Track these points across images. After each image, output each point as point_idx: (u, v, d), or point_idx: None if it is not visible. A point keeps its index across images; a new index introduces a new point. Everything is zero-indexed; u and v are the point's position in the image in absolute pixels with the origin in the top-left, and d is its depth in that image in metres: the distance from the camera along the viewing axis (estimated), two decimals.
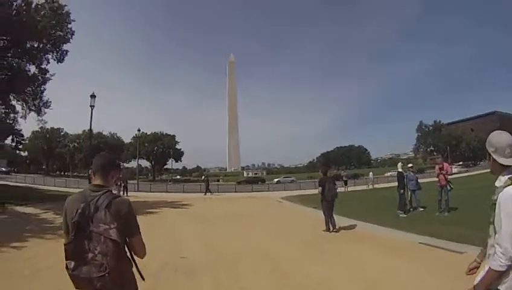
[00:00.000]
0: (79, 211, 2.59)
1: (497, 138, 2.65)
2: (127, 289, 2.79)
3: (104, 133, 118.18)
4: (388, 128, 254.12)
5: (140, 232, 2.85)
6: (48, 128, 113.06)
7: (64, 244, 2.60)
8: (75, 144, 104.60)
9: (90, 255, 2.52)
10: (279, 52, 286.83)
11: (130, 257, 2.84)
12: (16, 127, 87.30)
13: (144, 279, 3.00)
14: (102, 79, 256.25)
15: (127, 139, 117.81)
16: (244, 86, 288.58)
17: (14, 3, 26.43)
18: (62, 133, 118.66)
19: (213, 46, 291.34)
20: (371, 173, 47.41)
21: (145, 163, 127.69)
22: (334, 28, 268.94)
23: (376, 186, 42.83)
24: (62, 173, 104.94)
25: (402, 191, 16.39)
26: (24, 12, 26.57)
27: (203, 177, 52.37)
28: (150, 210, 21.84)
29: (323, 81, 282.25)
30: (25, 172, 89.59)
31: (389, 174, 67.55)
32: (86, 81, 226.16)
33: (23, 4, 26.60)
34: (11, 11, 25.94)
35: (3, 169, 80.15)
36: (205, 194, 38.93)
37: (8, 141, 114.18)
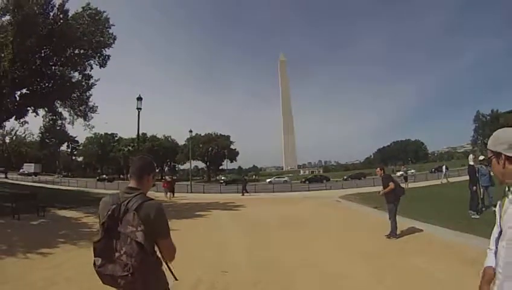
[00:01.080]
0: (109, 212, 2.66)
1: (509, 133, 2.28)
2: None
3: (158, 136, 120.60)
4: (444, 121, 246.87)
5: (169, 236, 2.82)
6: (101, 134, 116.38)
7: (94, 242, 2.67)
8: (129, 148, 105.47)
9: (116, 254, 2.58)
10: (332, 49, 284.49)
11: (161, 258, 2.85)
12: (70, 134, 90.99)
13: (176, 279, 3.04)
14: (155, 83, 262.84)
15: (181, 141, 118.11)
16: (298, 85, 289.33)
17: (51, 13, 26.69)
18: (116, 138, 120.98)
19: (266, 45, 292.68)
20: (444, 167, 44.19)
21: (200, 164, 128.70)
22: (387, 23, 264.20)
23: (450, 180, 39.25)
24: (119, 176, 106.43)
25: (474, 188, 14.00)
26: (61, 21, 26.97)
27: (244, 177, 50.74)
28: (199, 213, 21.23)
29: (378, 76, 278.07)
30: (81, 176, 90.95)
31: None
32: (139, 86, 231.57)
33: (59, 13, 26.92)
34: (49, 20, 26.32)
35: (26, 171, 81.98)
36: (243, 195, 38.26)
37: (64, 147, 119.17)
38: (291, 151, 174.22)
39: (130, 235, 2.57)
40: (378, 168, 12.55)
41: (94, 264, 2.64)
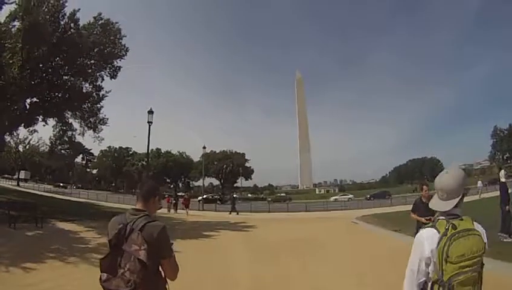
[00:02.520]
0: (115, 231, 2.81)
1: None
2: None
3: (172, 151, 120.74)
4: (461, 137, 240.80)
5: (172, 256, 2.93)
6: (116, 148, 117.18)
7: (100, 259, 2.79)
8: (143, 163, 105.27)
9: (120, 270, 2.69)
10: (347, 64, 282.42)
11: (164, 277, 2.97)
12: (85, 146, 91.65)
13: None
14: (173, 97, 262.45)
15: (196, 157, 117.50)
16: (314, 102, 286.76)
17: (61, 22, 26.68)
18: (130, 152, 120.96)
19: (283, 62, 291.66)
20: (479, 182, 42.66)
21: (215, 181, 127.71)
22: (402, 37, 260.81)
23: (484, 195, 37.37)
24: (132, 190, 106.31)
25: (507, 207, 12.39)
26: (72, 30, 26.96)
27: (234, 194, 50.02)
28: (207, 233, 20.28)
29: (393, 93, 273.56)
30: (95, 189, 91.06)
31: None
32: (156, 100, 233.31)
33: (69, 22, 26.94)
34: (59, 29, 26.29)
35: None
36: (230, 213, 37.52)
37: (79, 159, 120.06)
38: (307, 169, 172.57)
39: (133, 253, 2.71)
40: (425, 186, 9.17)
41: (100, 279, 2.77)
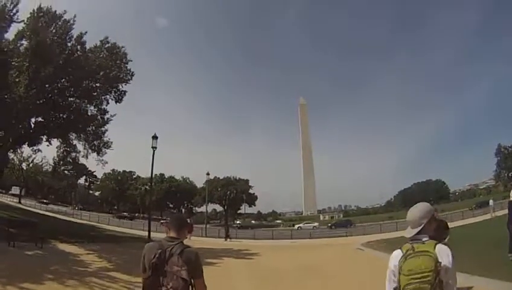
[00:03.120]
0: (157, 255, 3.29)
1: None
2: None
3: (176, 177, 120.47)
4: (465, 157, 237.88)
5: (203, 276, 3.49)
6: (119, 171, 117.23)
7: (143, 279, 3.37)
8: (146, 187, 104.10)
9: (163, 288, 3.21)
10: (351, 89, 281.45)
11: None
12: (89, 168, 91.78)
13: None
14: (177, 122, 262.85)
15: (199, 183, 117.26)
16: (318, 126, 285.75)
17: (68, 43, 27.07)
18: (134, 176, 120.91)
19: (286, 87, 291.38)
20: (491, 201, 41.85)
21: (218, 207, 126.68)
22: (403, 59, 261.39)
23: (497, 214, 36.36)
24: (135, 214, 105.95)
25: None
26: (79, 52, 27.37)
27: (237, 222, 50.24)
28: (209, 260, 19.23)
29: (397, 116, 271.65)
30: (98, 211, 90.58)
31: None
32: (159, 125, 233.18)
33: (76, 44, 27.34)
34: (66, 51, 26.64)
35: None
36: (226, 240, 38.37)
37: (82, 180, 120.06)
38: (311, 195, 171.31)
39: (176, 273, 3.22)
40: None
41: None
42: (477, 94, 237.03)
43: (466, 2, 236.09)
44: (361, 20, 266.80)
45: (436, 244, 3.09)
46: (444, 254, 3.04)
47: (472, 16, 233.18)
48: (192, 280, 3.35)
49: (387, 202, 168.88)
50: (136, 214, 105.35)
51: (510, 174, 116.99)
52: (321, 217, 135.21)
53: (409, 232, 3.29)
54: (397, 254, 3.22)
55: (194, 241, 32.07)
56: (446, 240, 5.59)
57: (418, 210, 3.35)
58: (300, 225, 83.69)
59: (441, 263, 2.96)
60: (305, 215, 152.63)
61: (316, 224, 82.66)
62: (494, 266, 10.99)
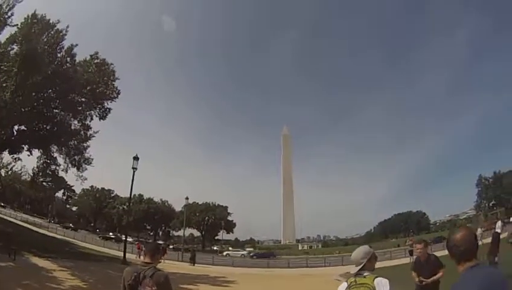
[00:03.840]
0: (133, 277, 4.04)
1: None
2: None
3: (154, 199, 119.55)
4: (446, 188, 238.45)
5: None
6: (98, 188, 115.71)
7: None
8: (124, 207, 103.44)
9: None
10: (335, 120, 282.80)
11: None
12: (68, 182, 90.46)
13: None
14: (160, 143, 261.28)
15: (178, 207, 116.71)
16: (301, 156, 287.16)
17: (58, 54, 26.96)
18: (112, 195, 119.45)
19: (272, 115, 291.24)
20: (499, 223, 41.56)
21: (195, 232, 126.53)
22: (389, 90, 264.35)
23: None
24: (110, 233, 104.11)
25: (495, 258, 12.08)
26: (68, 64, 27.34)
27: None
28: (184, 286, 18.70)
29: (379, 146, 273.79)
30: (74, 226, 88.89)
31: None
32: (141, 144, 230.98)
33: (66, 55, 27.24)
34: (56, 61, 26.57)
35: None
36: (193, 265, 38.56)
37: (60, 193, 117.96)
38: (290, 225, 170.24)
39: None
40: (420, 245, 7.75)
41: None
42: (459, 126, 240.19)
43: (453, 36, 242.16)
44: (351, 53, 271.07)
45: (375, 277, 3.84)
46: (381, 285, 3.75)
47: (459, 50, 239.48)
48: None
49: (367, 233, 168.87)
50: (111, 234, 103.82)
51: (491, 205, 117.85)
52: (299, 247, 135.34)
53: (353, 269, 4.11)
54: (343, 285, 4.04)
55: (170, 265, 31.61)
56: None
57: (359, 252, 4.22)
58: (229, 252, 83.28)
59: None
60: (283, 244, 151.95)
61: (244, 252, 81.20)
62: None
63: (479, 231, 41.70)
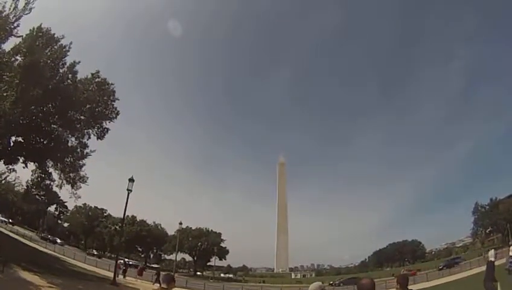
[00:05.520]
0: None
1: None
2: None
3: (147, 221, 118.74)
4: (442, 216, 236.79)
5: None
6: (91, 206, 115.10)
7: None
8: (116, 227, 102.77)
9: None
10: (328, 149, 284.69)
11: None
12: (61, 198, 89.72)
13: None
14: (155, 165, 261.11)
15: (171, 231, 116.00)
16: (295, 184, 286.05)
17: (60, 70, 27.18)
18: (105, 214, 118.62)
19: (267, 143, 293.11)
20: (492, 251, 40.96)
21: (187, 257, 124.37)
22: (383, 119, 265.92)
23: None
24: (101, 252, 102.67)
25: (493, 284, 11.98)
26: (69, 80, 27.61)
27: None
28: None
29: (375, 175, 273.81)
30: (65, 243, 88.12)
31: None
32: (136, 165, 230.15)
33: (68, 72, 27.53)
34: (57, 76, 26.81)
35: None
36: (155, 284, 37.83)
37: (52, 208, 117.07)
38: (283, 253, 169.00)
39: None
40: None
41: None
42: (455, 154, 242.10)
43: (447, 67, 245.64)
44: (345, 83, 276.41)
45: None
46: None
47: (454, 79, 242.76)
48: None
49: (362, 262, 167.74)
50: (104, 252, 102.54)
51: (487, 231, 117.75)
52: (292, 275, 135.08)
53: None
54: None
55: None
56: None
57: (316, 286, 5.20)
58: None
59: None
60: (276, 272, 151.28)
61: None
62: None
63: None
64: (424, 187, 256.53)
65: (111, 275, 30.20)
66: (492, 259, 12.78)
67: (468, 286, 26.50)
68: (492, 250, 14.06)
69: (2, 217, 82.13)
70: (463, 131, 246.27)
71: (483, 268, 13.26)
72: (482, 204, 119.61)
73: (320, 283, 5.23)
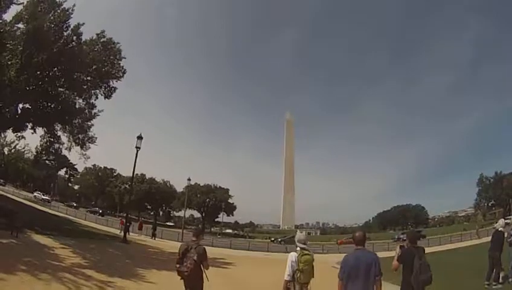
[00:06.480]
0: (184, 248, 7.11)
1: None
2: (198, 282, 7.08)
3: (156, 179, 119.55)
4: (446, 186, 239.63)
5: (207, 260, 7.23)
6: (100, 167, 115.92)
7: (177, 258, 7.12)
8: (126, 186, 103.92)
9: (185, 263, 6.88)
10: (337, 111, 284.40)
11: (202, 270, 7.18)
12: (70, 161, 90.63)
13: (208, 280, 7.21)
14: (162, 125, 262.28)
15: (179, 188, 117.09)
16: (302, 144, 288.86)
17: (65, 33, 26.59)
18: (115, 174, 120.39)
19: (275, 103, 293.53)
20: (501, 220, 42.23)
21: (196, 214, 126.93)
22: (394, 84, 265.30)
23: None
24: (112, 212, 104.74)
25: (497, 253, 12.11)
26: (74, 43, 26.86)
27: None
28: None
29: (382, 140, 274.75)
30: (76, 205, 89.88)
31: None
32: (145, 125, 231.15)
33: (72, 34, 26.88)
34: (61, 40, 26.13)
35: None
36: (152, 237, 40.87)
37: (62, 172, 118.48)
38: (289, 210, 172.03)
39: (191, 257, 6.85)
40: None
41: (176, 266, 7.04)
42: (463, 124, 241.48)
43: (459, 36, 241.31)
44: (356, 47, 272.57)
45: (311, 251, 7.04)
46: (312, 254, 7.04)
47: (464, 50, 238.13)
48: (201, 263, 7.01)
49: (366, 223, 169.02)
50: (113, 212, 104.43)
51: (490, 204, 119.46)
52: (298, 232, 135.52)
53: (300, 245, 6.97)
54: (294, 254, 6.82)
55: (169, 245, 32.05)
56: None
57: (304, 235, 7.32)
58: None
59: (313, 259, 6.90)
60: (283, 229, 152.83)
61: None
62: None
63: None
64: (432, 154, 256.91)
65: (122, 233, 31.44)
66: (501, 229, 13.19)
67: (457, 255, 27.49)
68: (502, 219, 14.36)
69: (13, 185, 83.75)
70: (474, 102, 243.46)
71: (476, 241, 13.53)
72: (486, 176, 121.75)
73: (304, 233, 7.60)
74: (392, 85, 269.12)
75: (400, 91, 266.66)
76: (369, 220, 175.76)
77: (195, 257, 6.82)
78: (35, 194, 77.31)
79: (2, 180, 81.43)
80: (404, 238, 41.74)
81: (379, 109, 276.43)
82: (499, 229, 12.76)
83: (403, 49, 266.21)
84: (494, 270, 12.22)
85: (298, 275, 6.62)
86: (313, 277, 6.99)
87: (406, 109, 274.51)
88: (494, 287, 11.85)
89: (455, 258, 24.02)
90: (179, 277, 7.03)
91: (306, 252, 6.80)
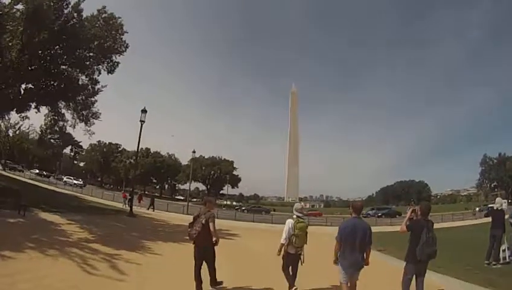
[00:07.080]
0: (196, 213, 8.45)
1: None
2: (208, 245, 8.09)
3: (161, 153, 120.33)
4: (449, 164, 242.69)
5: (214, 223, 8.05)
6: (105, 143, 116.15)
7: (189, 223, 8.32)
8: (131, 161, 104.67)
9: (195, 226, 8.01)
10: (345, 77, 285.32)
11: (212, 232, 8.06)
12: (75, 138, 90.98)
13: (217, 243, 8.14)
14: (164, 101, 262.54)
15: (184, 161, 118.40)
16: (307, 117, 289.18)
17: (65, 10, 26.35)
18: (120, 149, 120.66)
19: (277, 75, 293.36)
20: (498, 199, 42.79)
21: (201, 186, 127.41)
22: (407, 54, 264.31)
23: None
24: (118, 187, 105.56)
25: (499, 232, 12.30)
26: (75, 20, 26.72)
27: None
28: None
29: (387, 117, 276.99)
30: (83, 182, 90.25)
31: None
32: (149, 99, 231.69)
33: (73, 11, 26.67)
34: (62, 17, 26.02)
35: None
36: (148, 209, 41.80)
37: (67, 150, 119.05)
38: (294, 183, 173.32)
39: (200, 221, 7.98)
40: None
41: (188, 230, 8.17)
42: (471, 103, 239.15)
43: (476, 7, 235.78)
44: (369, 13, 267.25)
45: (305, 220, 8.45)
46: (306, 222, 8.49)
47: (479, 22, 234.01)
48: (209, 225, 7.88)
49: (369, 197, 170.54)
50: (119, 187, 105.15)
51: (492, 185, 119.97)
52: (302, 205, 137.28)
53: (296, 214, 8.29)
54: (291, 220, 8.11)
55: (175, 218, 32.50)
56: None
57: (300, 205, 8.76)
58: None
59: (307, 225, 8.33)
60: (286, 201, 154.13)
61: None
62: (469, 270, 11.36)
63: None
64: (437, 131, 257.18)
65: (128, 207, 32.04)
66: (502, 207, 13.18)
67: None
68: (499, 198, 14.39)
69: (20, 166, 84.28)
70: (480, 81, 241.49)
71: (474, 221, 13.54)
72: (490, 157, 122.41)
73: (302, 203, 9.51)
74: (400, 53, 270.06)
75: (412, 60, 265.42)
76: (372, 193, 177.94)
77: (203, 221, 7.90)
78: (65, 179, 76.01)
79: (44, 172, 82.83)
80: (380, 214, 43.16)
81: (387, 76, 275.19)
82: (499, 208, 12.87)
83: (414, 14, 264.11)
84: (494, 249, 12.37)
85: (294, 239, 8.02)
86: (306, 243, 8.35)
87: (416, 81, 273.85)
88: (493, 266, 12.01)
89: (456, 236, 24.21)
90: (191, 242, 8.18)
91: (301, 220, 8.24)
